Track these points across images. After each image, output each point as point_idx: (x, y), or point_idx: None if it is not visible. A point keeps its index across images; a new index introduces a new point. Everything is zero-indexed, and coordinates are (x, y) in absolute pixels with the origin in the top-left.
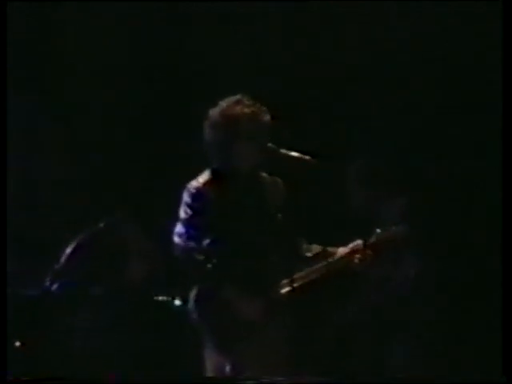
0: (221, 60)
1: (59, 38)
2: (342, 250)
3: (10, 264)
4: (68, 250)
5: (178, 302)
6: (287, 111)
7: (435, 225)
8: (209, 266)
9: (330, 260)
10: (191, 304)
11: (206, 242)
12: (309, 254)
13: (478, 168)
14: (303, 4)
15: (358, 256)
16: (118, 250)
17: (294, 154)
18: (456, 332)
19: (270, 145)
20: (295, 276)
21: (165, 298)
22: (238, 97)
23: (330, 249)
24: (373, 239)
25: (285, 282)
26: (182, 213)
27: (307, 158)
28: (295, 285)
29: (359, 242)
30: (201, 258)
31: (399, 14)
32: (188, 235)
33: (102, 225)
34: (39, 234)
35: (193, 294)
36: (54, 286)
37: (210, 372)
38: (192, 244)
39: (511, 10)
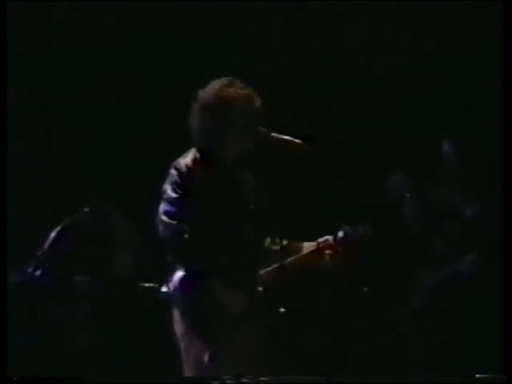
0: (214, 57)
1: (59, 38)
2: (309, 245)
3: None
4: (52, 235)
5: (164, 289)
6: (278, 97)
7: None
8: (186, 236)
9: (301, 255)
10: (174, 290)
11: (195, 223)
12: (275, 247)
13: (477, 168)
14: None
15: (328, 252)
16: (103, 237)
17: (285, 137)
18: (456, 332)
19: (261, 128)
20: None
21: (151, 285)
22: (229, 79)
23: (296, 243)
24: (341, 236)
25: (268, 269)
26: (171, 192)
27: (298, 141)
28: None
29: (329, 237)
30: (189, 239)
31: (399, 14)
32: (177, 215)
33: (86, 209)
34: (22, 219)
35: (175, 279)
36: (38, 273)
37: (188, 362)
38: (181, 225)
39: (511, 10)
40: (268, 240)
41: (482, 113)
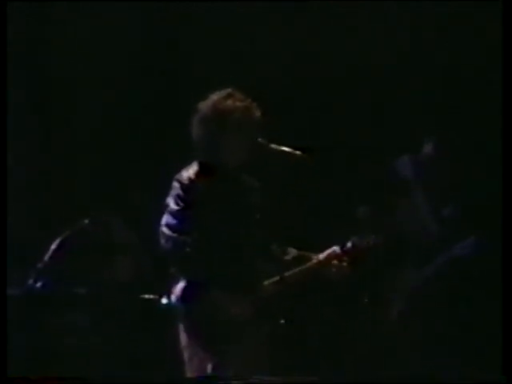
0: (214, 57)
1: (59, 38)
2: (319, 256)
3: None
4: (52, 247)
5: (164, 301)
6: (277, 107)
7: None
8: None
9: (308, 265)
10: (177, 300)
11: (196, 235)
12: (286, 258)
13: (478, 168)
14: (302, 3)
15: (335, 262)
16: (104, 247)
17: (285, 148)
18: (456, 332)
19: (260, 139)
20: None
21: (151, 296)
22: (228, 90)
23: (307, 254)
24: (349, 246)
25: (271, 280)
26: (173, 204)
27: (297, 152)
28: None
29: (336, 248)
30: (191, 251)
31: (399, 14)
32: (179, 227)
33: (86, 221)
34: (22, 231)
35: (178, 289)
36: (38, 285)
37: (190, 370)
38: (183, 237)
39: (511, 10)
40: (279, 249)
41: (481, 113)
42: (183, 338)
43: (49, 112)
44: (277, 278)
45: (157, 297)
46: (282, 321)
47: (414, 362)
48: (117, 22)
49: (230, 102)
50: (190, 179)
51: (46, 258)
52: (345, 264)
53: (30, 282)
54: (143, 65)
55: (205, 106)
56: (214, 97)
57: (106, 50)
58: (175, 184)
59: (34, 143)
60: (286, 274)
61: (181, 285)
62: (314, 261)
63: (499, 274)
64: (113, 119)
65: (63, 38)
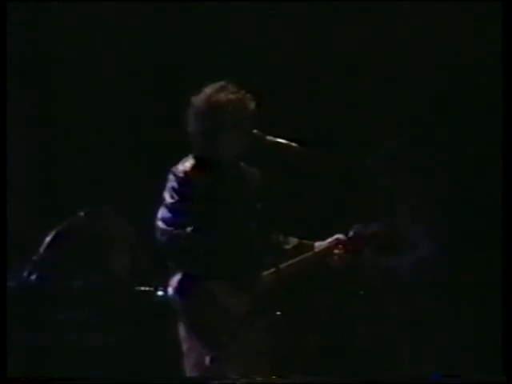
0: (208, 49)
1: (59, 38)
2: (320, 244)
3: None
4: (47, 240)
5: (161, 293)
6: (271, 98)
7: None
8: (186, 241)
9: (310, 254)
10: (174, 293)
11: (191, 228)
12: (287, 247)
13: (478, 168)
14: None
15: (337, 251)
16: (100, 240)
17: (280, 140)
18: (456, 332)
19: (255, 131)
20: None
21: (148, 288)
22: (222, 83)
23: (307, 242)
24: (352, 235)
25: (269, 271)
26: (168, 198)
27: (293, 144)
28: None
29: (339, 236)
30: (186, 244)
31: (399, 13)
32: (174, 221)
33: (82, 214)
34: (20, 223)
35: (175, 281)
36: (33, 278)
37: (189, 364)
38: (178, 230)
39: (511, 10)
40: (280, 238)
41: (481, 113)
42: (181, 330)
43: (48, 112)
44: (274, 269)
45: (153, 289)
46: (279, 313)
47: (413, 362)
48: (117, 22)
49: (223, 95)
50: (185, 172)
51: (42, 250)
52: (348, 252)
53: (25, 274)
54: (142, 58)
55: (198, 99)
56: (208, 90)
57: (105, 45)
58: (171, 177)
59: (33, 136)
60: (281, 265)
61: (177, 277)
62: (316, 250)
63: (500, 273)
64: (112, 120)
65: (63, 37)
